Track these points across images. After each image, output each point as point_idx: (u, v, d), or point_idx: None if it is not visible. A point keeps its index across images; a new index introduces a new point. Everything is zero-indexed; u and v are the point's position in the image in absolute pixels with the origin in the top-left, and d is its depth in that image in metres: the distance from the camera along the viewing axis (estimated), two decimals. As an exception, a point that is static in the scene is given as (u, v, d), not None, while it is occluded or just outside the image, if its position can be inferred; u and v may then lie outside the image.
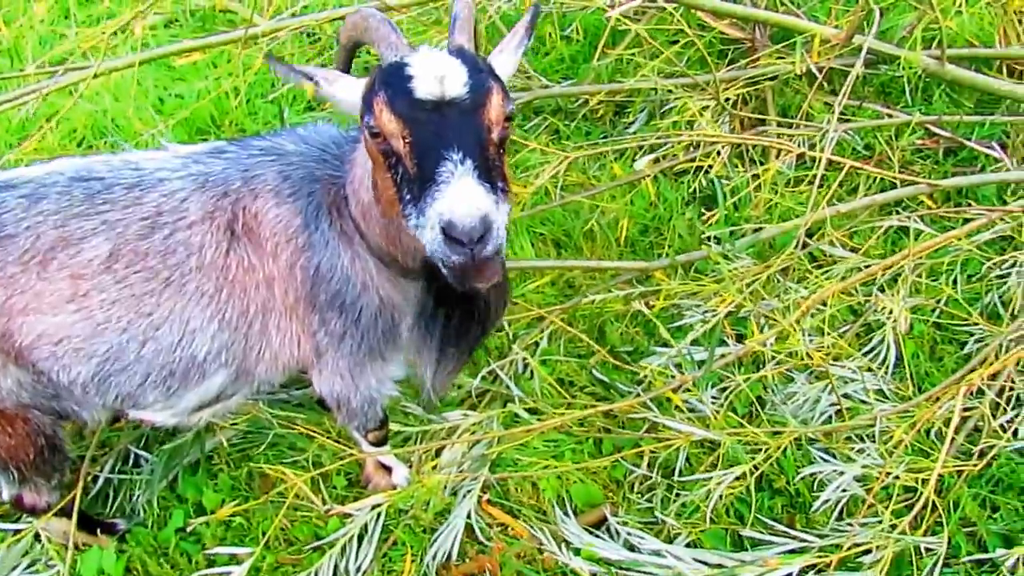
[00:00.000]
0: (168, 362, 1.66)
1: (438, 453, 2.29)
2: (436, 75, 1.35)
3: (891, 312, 2.44)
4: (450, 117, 1.33)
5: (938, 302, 2.64)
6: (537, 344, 2.57)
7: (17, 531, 2.03)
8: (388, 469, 2.22)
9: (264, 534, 2.06)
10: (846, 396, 2.39)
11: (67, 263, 1.55)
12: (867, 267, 2.61)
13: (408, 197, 1.37)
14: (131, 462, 2.27)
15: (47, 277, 1.55)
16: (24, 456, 1.71)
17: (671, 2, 3.02)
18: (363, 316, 1.69)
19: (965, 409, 2.26)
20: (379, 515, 2.10)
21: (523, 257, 2.87)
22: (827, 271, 2.65)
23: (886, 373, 2.47)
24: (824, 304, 2.45)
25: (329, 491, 2.22)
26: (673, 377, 2.28)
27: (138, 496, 2.19)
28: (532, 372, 2.47)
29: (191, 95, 3.42)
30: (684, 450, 2.22)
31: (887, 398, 2.41)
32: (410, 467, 2.29)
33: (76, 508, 1.95)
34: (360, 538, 2.08)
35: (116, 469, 2.25)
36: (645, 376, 2.28)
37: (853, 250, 2.77)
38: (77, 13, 3.75)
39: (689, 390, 2.25)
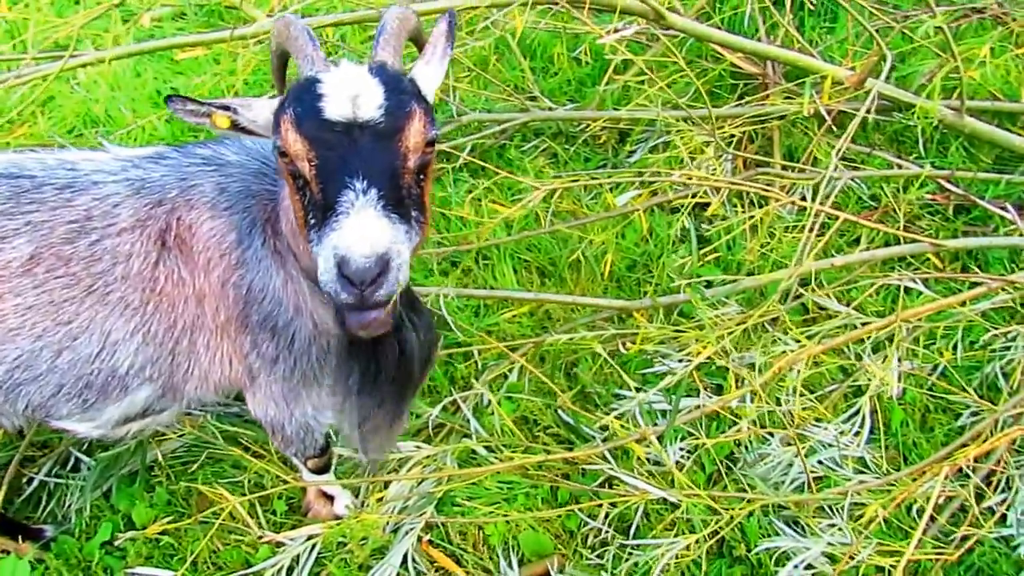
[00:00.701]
0: (85, 374, 1.58)
1: (387, 484, 2.18)
2: (349, 94, 1.27)
3: (883, 378, 2.30)
4: (361, 141, 1.25)
5: (934, 368, 2.50)
6: (506, 376, 2.46)
7: (-62, 530, 1.96)
8: (330, 498, 2.12)
9: (194, 556, 1.97)
10: (823, 463, 2.25)
11: None
12: (863, 324, 2.48)
13: (312, 222, 1.29)
14: (70, 466, 2.20)
15: None
16: (-65, 459, 1.64)
17: (678, 34, 2.93)
18: (296, 340, 1.60)
19: (950, 488, 2.12)
20: (313, 546, 2.00)
21: (504, 284, 2.77)
22: (818, 326, 2.52)
23: (872, 441, 2.32)
24: (814, 361, 2.32)
25: (267, 516, 2.13)
26: (638, 427, 2.16)
27: (70, 503, 2.11)
28: (497, 403, 2.36)
29: (188, 90, 3.37)
30: (642, 506, 2.09)
31: (867, 469, 2.26)
32: (356, 496, 2.19)
33: (-5, 513, 1.88)
34: (291, 570, 1.98)
35: (53, 472, 2.18)
36: (603, 425, 2.15)
37: (851, 304, 2.63)
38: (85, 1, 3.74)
39: (649, 443, 2.13)
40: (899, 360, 2.48)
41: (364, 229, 1.19)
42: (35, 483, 2.15)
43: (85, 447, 2.22)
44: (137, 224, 1.54)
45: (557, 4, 2.44)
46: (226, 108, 1.38)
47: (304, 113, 1.27)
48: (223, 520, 2.01)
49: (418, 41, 1.56)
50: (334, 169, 1.25)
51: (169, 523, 2.04)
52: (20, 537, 1.98)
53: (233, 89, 3.13)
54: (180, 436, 2.23)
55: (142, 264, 1.54)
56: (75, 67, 2.56)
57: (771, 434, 2.33)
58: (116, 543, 2.03)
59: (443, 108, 3.34)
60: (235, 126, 1.39)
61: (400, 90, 1.31)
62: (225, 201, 1.55)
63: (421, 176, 1.34)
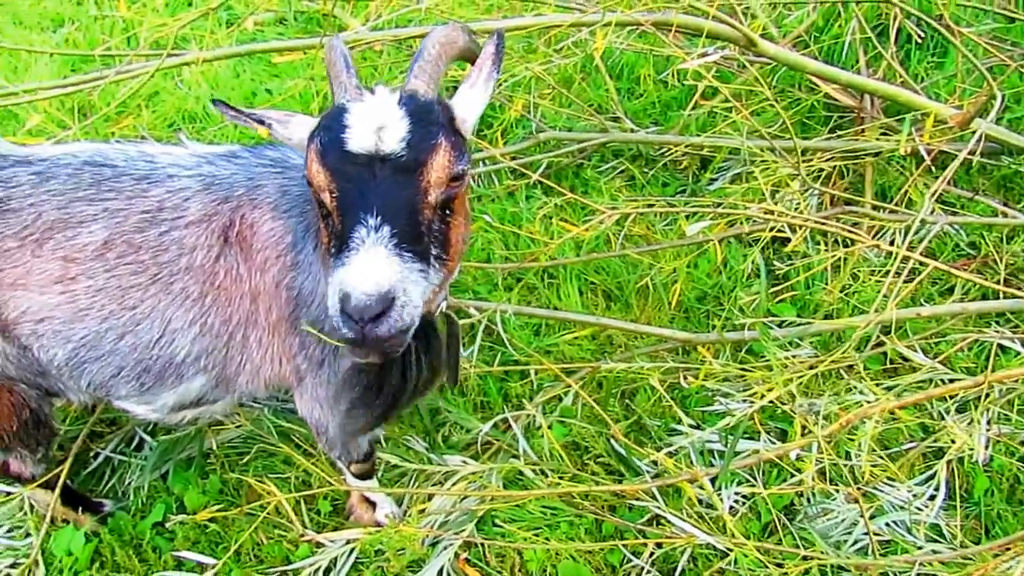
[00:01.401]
0: (145, 358, 1.63)
1: (430, 496, 2.17)
2: (374, 126, 1.26)
3: (965, 441, 2.13)
4: (380, 175, 1.24)
5: (1028, 436, 2.29)
6: (560, 398, 2.42)
7: (9, 493, 2.07)
8: (372, 504, 2.12)
9: (237, 545, 2.00)
10: (891, 526, 2.10)
11: (62, 244, 1.56)
12: (950, 380, 2.31)
13: (333, 251, 1.29)
14: (134, 444, 2.29)
15: (41, 255, 1.55)
16: (8, 426, 1.73)
17: (771, 61, 2.82)
18: (340, 347, 1.61)
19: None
20: (352, 551, 2.01)
21: (568, 305, 2.73)
22: (900, 377, 2.36)
23: (950, 508, 2.15)
24: (892, 415, 2.17)
25: (312, 515, 2.15)
26: (691, 466, 2.07)
27: (130, 481, 2.19)
28: (548, 425, 2.31)
29: (282, 92, 3.50)
30: (689, 549, 2.00)
31: (942, 538, 2.09)
32: (400, 505, 2.19)
33: (60, 483, 1.96)
34: (328, 571, 1.99)
35: (118, 449, 2.28)
36: (655, 461, 2.07)
37: (938, 358, 2.45)
38: (197, 1, 3.95)
39: (703, 487, 2.03)
40: (988, 423, 2.29)
41: (369, 267, 1.19)
42: (100, 458, 2.25)
43: (150, 428, 2.31)
44: (204, 218, 1.59)
45: (642, 25, 2.38)
46: (261, 122, 1.40)
47: (328, 144, 1.27)
48: (269, 514, 2.05)
49: (470, 59, 1.53)
50: (351, 203, 1.25)
51: (218, 511, 2.09)
52: (81, 509, 2.08)
53: (322, 93, 3.22)
54: (237, 427, 2.29)
55: (204, 257, 1.59)
56: (176, 66, 2.69)
57: (837, 489, 2.19)
58: (167, 525, 2.10)
59: (524, 124, 3.34)
60: (273, 135, 1.42)
61: (428, 121, 1.29)
62: (286, 203, 1.58)
63: (447, 211, 1.33)
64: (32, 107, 3.32)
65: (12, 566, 1.98)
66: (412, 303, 1.23)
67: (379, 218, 1.22)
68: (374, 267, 1.20)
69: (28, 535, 2.02)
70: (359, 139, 1.25)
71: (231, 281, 1.61)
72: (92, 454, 2.25)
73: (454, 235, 1.36)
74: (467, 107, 1.40)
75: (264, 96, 3.54)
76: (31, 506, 2.05)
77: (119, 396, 1.71)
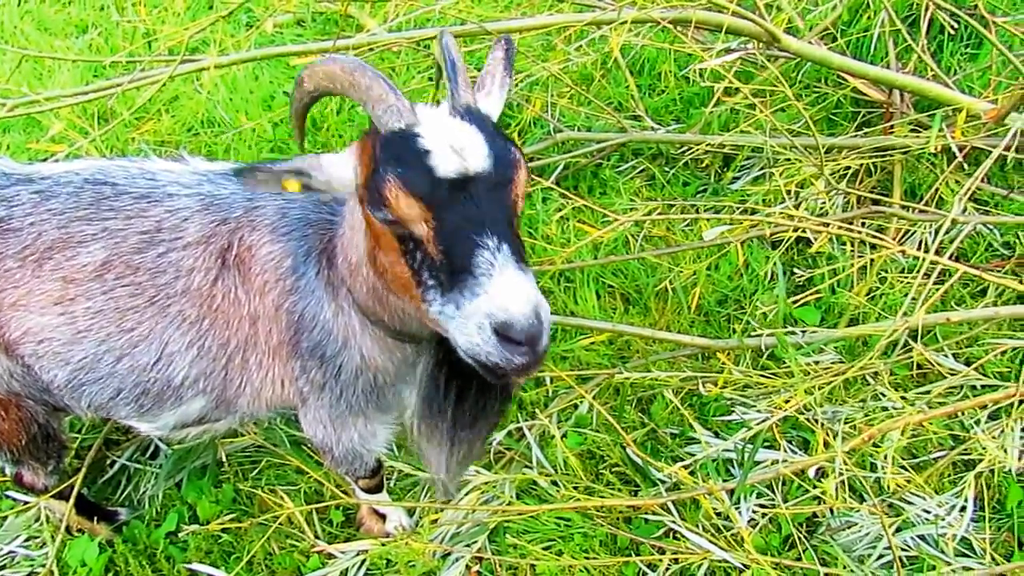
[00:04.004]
0: (142, 380, 1.62)
1: (442, 507, 2.15)
2: (455, 146, 1.19)
3: (998, 450, 2.04)
4: (477, 196, 1.19)
5: (1064, 446, 2.19)
6: (576, 406, 2.38)
7: (25, 503, 2.09)
8: (383, 516, 2.11)
9: (250, 555, 2.01)
10: (919, 540, 2.02)
11: (62, 264, 1.55)
12: (982, 387, 2.22)
13: (431, 283, 1.23)
14: (150, 452, 2.30)
15: (40, 276, 1.55)
16: (17, 441, 1.74)
17: (795, 56, 2.73)
18: (343, 371, 1.58)
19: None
20: (363, 562, 1.99)
21: (585, 308, 2.68)
22: (930, 383, 2.27)
23: (980, 521, 2.06)
24: (916, 426, 2.09)
25: (324, 525, 2.14)
26: (708, 477, 2.02)
27: (145, 489, 2.21)
28: (563, 435, 2.27)
29: (299, 95, 3.49)
30: (705, 564, 1.95)
31: (972, 552, 2.01)
32: (411, 516, 2.17)
33: (75, 493, 1.98)
34: (338, 583, 1.98)
35: (134, 457, 2.29)
36: (673, 474, 2.02)
37: (972, 364, 2.35)
38: (217, 5, 3.96)
39: (718, 499, 1.98)
40: (1022, 432, 2.20)
41: (516, 288, 1.15)
42: (116, 466, 2.27)
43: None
44: (202, 240, 1.57)
45: (659, 23, 2.32)
46: (299, 172, 1.30)
47: (412, 174, 1.19)
48: (281, 524, 2.04)
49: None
50: (458, 229, 1.18)
51: (231, 521, 2.10)
52: (96, 518, 2.09)
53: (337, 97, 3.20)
54: (254, 435, 2.29)
55: (202, 280, 1.56)
56: (191, 72, 2.69)
57: (862, 499, 2.12)
58: (180, 534, 2.10)
59: (542, 124, 3.29)
60: (305, 187, 1.33)
61: (497, 135, 1.25)
62: (285, 226, 1.55)
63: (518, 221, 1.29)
64: (54, 114, 3.36)
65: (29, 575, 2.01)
66: (548, 313, 1.20)
67: (495, 238, 1.17)
68: (520, 286, 1.15)
69: (44, 545, 2.04)
70: (446, 162, 1.19)
71: (229, 304, 1.58)
72: (108, 462, 2.27)
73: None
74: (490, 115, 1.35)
75: (282, 99, 3.53)
76: (47, 516, 2.07)
77: (120, 416, 1.71)
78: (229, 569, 1.98)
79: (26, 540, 2.08)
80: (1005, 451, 1.97)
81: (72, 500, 1.97)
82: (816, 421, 2.11)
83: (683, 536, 1.92)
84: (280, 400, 1.69)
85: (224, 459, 2.22)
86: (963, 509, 2.07)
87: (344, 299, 1.52)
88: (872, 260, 2.47)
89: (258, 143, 3.32)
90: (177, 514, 2.13)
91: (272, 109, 3.50)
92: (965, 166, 2.61)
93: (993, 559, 1.96)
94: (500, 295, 1.14)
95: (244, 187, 1.35)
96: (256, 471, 2.25)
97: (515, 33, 2.58)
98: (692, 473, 2.14)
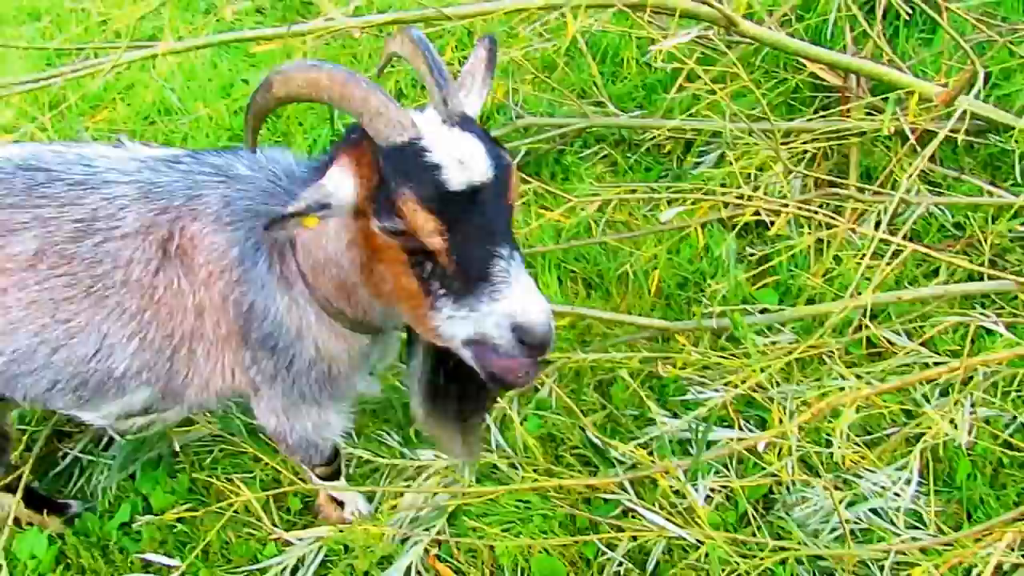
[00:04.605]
0: (81, 372, 1.57)
1: (401, 492, 2.14)
2: (460, 158, 1.21)
3: (948, 424, 2.08)
4: (484, 206, 1.21)
5: (1013, 420, 2.24)
6: (536, 389, 2.38)
7: (-26, 499, 2.04)
8: (341, 503, 2.09)
9: (204, 543, 1.98)
10: (872, 514, 2.05)
11: None
12: (935, 364, 2.25)
13: (441, 292, 1.24)
14: (103, 444, 2.26)
15: None
16: (-41, 433, 1.70)
17: (753, 42, 2.75)
18: (296, 362, 1.56)
19: (1020, 555, 1.89)
20: (320, 549, 1.98)
21: (547, 293, 2.68)
22: (883, 362, 2.31)
23: (937, 494, 2.10)
24: (867, 401, 2.12)
25: (282, 513, 2.12)
26: (666, 456, 2.03)
27: (97, 481, 2.17)
28: (522, 418, 2.27)
29: (257, 82, 3.44)
30: (663, 542, 1.96)
31: (923, 524, 2.05)
32: (371, 502, 2.16)
33: (21, 486, 1.94)
34: (295, 569, 1.96)
35: (87, 449, 2.25)
36: (628, 453, 2.03)
37: (922, 341, 2.39)
38: (175, -9, 3.88)
39: (676, 478, 1.99)
40: (972, 407, 2.24)
41: (534, 296, 1.20)
42: (68, 459, 2.22)
43: (119, 427, 2.28)
44: (141, 230, 1.51)
45: (613, 7, 2.32)
46: (322, 206, 1.24)
47: (427, 188, 1.20)
48: (238, 513, 2.01)
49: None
50: (471, 239, 1.20)
51: (186, 511, 2.06)
52: (46, 511, 2.05)
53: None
54: (209, 423, 2.26)
55: (142, 271, 1.51)
56: (143, 59, 2.63)
57: (818, 475, 2.15)
58: (134, 525, 2.07)
59: (504, 111, 3.28)
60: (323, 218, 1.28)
61: (492, 141, 1.26)
62: (228, 216, 1.50)
63: None
64: (5, 103, 3.28)
65: (-23, 569, 1.97)
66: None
67: (507, 247, 1.21)
68: (536, 295, 1.21)
69: (-7, 539, 2.00)
70: (457, 176, 1.20)
71: (172, 295, 1.53)
72: (60, 454, 2.23)
73: None
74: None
75: (241, 87, 3.49)
76: (-5, 510, 2.03)
77: (59, 407, 1.66)
78: (184, 559, 1.95)
79: (-26, 535, 2.04)
80: (955, 425, 2.00)
81: (19, 493, 1.93)
82: (771, 400, 2.14)
83: (640, 515, 1.93)
84: (231, 390, 1.66)
85: (179, 449, 2.19)
86: (908, 482, 2.11)
87: (299, 294, 1.49)
88: (828, 241, 2.51)
89: (215, 131, 3.27)
90: (131, 505, 2.10)
91: (231, 96, 3.45)
92: (917, 148, 2.64)
93: (941, 530, 2.00)
94: (520, 300, 1.19)
95: (271, 235, 1.29)
96: (212, 460, 2.22)
97: (475, 18, 2.56)
98: (650, 453, 2.15)
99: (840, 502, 1.97)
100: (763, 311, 2.34)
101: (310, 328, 1.53)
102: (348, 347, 1.56)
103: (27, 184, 1.53)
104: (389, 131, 1.21)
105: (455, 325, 1.25)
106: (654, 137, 3.05)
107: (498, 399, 1.69)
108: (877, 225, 2.64)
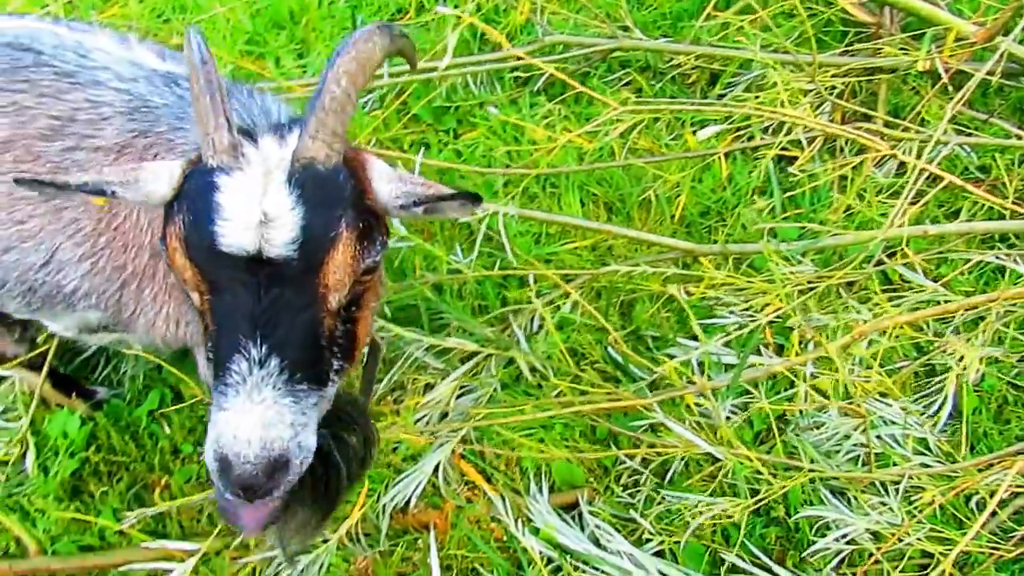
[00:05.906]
0: (28, 279, 1.46)
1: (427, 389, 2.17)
2: (255, 218, 0.98)
3: (961, 358, 2.14)
4: (264, 285, 0.98)
5: (1021, 359, 2.31)
6: (559, 307, 2.40)
7: (2, 378, 2.05)
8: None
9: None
10: (882, 439, 2.13)
11: None
12: (946, 303, 2.30)
13: (209, 355, 1.05)
14: (127, 336, 2.26)
15: None
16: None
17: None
18: None
19: (1019, 484, 1.97)
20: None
21: (569, 215, 2.68)
22: (899, 297, 2.35)
23: (937, 425, 2.18)
24: (884, 333, 2.17)
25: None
26: (692, 376, 2.07)
27: (124, 370, 2.17)
28: (544, 332, 2.30)
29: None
30: (679, 457, 2.02)
31: (930, 452, 2.13)
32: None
33: (47, 362, 1.91)
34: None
35: (111, 339, 2.24)
36: (659, 373, 2.07)
37: (937, 279, 2.44)
38: None
39: (704, 396, 2.04)
40: (983, 344, 2.30)
41: (252, 424, 0.95)
42: (93, 348, 2.22)
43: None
44: (115, 148, 1.36)
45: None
46: (100, 192, 1.06)
47: (195, 233, 1.00)
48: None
49: (404, 56, 1.25)
50: (227, 319, 0.99)
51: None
52: (73, 393, 2.05)
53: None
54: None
55: None
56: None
57: (830, 401, 2.21)
58: (162, 413, 2.09)
59: (529, 31, 3.21)
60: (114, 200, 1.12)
61: (327, 204, 1.00)
62: None
63: (352, 308, 1.08)
64: (13, -11, 3.15)
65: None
66: (308, 448, 1.01)
67: (264, 348, 0.97)
68: (258, 423, 0.95)
69: (21, 419, 2.01)
70: (236, 235, 0.98)
71: (131, 227, 1.40)
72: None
73: (362, 330, 1.11)
74: (378, 168, 1.09)
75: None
76: (21, 391, 2.03)
77: (11, 310, 1.56)
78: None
79: (3, 412, 2.04)
80: (975, 358, 2.06)
81: (45, 369, 1.91)
82: (790, 329, 2.18)
83: (665, 428, 1.98)
84: (174, 339, 1.51)
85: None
86: (926, 415, 2.18)
87: None
88: (852, 178, 2.53)
89: (233, 33, 3.17)
90: (159, 394, 2.11)
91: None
92: (949, 88, 2.64)
93: (950, 458, 2.08)
94: (231, 424, 0.97)
95: (29, 189, 1.11)
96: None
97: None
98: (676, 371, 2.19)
99: (859, 428, 2.03)
100: (791, 240, 2.36)
101: None
102: None
103: (12, 64, 1.38)
104: (204, 148, 1.04)
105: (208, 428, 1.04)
106: (680, 65, 3.02)
107: (338, 495, 1.42)
108: (900, 164, 2.67)
